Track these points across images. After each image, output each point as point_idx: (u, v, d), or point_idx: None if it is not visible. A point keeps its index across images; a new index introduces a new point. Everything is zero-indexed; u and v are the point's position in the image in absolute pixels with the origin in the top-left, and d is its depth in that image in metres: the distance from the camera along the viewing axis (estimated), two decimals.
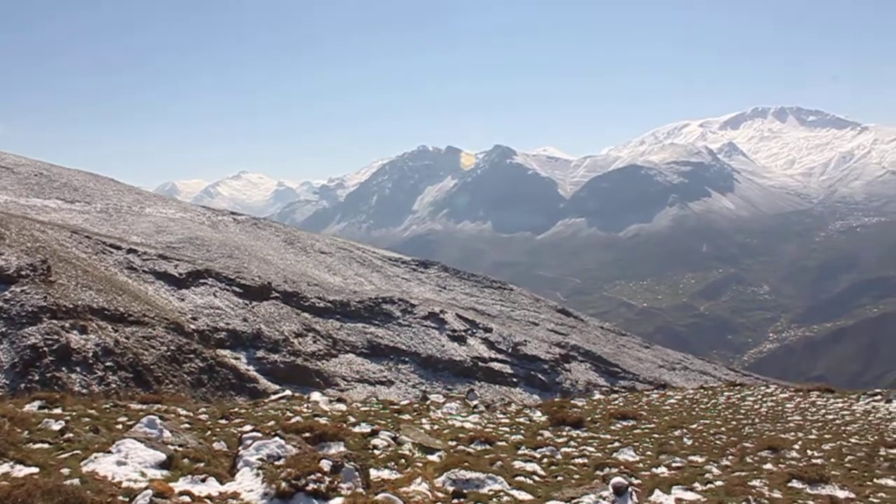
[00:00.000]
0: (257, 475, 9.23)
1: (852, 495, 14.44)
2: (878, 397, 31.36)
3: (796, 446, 19.93)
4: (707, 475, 15.32)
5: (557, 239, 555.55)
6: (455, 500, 10.88)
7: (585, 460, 16.02)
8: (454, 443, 16.07)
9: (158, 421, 12.06)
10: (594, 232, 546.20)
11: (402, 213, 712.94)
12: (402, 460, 13.12)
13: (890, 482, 15.83)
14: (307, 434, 12.87)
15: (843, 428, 24.22)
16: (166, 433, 11.78)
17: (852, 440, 21.46)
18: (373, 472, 11.64)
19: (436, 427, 18.34)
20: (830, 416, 26.92)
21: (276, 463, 9.82)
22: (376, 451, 13.78)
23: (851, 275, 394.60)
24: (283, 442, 10.50)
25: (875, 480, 16.03)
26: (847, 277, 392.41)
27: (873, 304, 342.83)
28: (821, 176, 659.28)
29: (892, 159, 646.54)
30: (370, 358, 55.75)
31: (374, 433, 15.10)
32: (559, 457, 16.25)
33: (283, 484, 8.58)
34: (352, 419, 17.25)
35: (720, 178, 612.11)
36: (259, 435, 10.72)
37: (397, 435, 15.10)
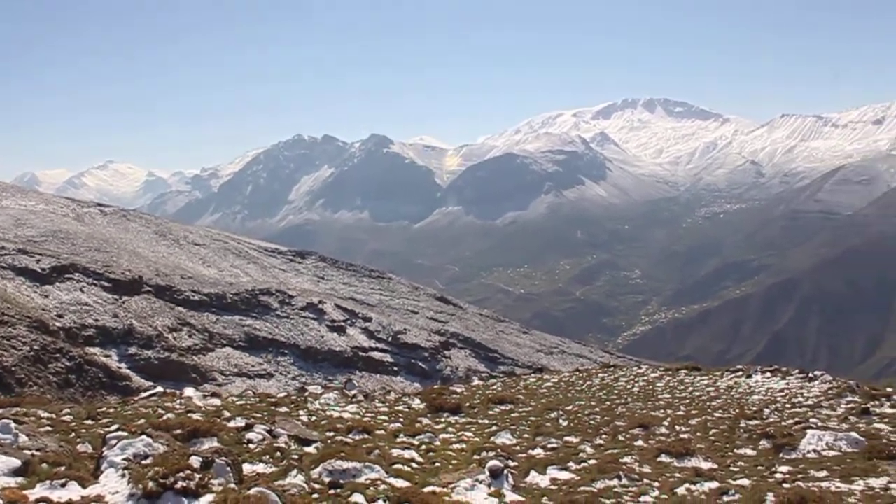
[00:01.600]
0: (123, 476, 8.80)
1: (715, 466, 15.27)
2: (740, 373, 33.01)
3: (665, 423, 20.70)
4: (581, 454, 15.74)
5: (435, 227, 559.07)
6: (332, 491, 10.74)
7: (463, 445, 16.15)
8: (332, 433, 15.88)
9: (13, 425, 11.39)
10: (471, 220, 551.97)
11: (279, 203, 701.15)
12: (278, 453, 12.86)
13: (748, 451, 16.76)
14: (178, 431, 12.47)
15: (708, 403, 25.32)
16: (22, 437, 11.16)
17: (716, 414, 22.46)
18: (247, 467, 11.37)
19: (313, 419, 18.10)
20: (697, 393, 28.09)
21: (144, 462, 9.41)
22: (251, 446, 13.46)
23: (715, 259, 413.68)
24: (150, 440, 10.09)
25: (735, 451, 16.94)
26: (712, 261, 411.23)
27: (735, 286, 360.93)
28: (687, 165, 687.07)
29: (751, 149, 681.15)
30: (248, 351, 54.59)
31: (249, 427, 14.75)
32: (437, 443, 16.32)
33: (151, 483, 8.22)
34: (226, 414, 16.81)
35: (593, 166, 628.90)
36: (125, 434, 10.27)
37: (273, 428, 14.81)
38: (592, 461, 15.01)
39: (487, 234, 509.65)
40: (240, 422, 15.45)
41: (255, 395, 23.35)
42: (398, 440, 16.17)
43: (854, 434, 16.33)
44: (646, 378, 33.58)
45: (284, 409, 19.56)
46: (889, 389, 25.73)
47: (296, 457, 12.70)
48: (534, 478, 13.39)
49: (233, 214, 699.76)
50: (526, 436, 18.05)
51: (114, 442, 9.93)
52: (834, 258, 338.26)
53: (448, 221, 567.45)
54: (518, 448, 16.33)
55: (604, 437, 18.78)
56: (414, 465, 13.62)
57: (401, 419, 19.86)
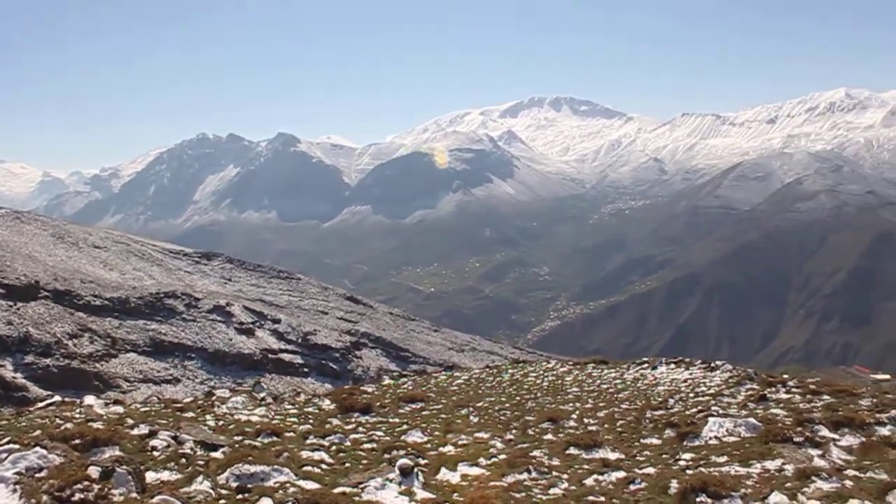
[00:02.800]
0: (14, 491, 8.36)
1: (622, 456, 15.67)
2: (646, 365, 33.85)
3: (574, 416, 21.03)
4: (491, 450, 15.85)
5: (344, 227, 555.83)
6: (239, 496, 10.52)
7: (374, 445, 16.04)
8: (240, 437, 15.56)
9: None
10: (380, 219, 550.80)
11: (183, 203, 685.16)
12: (183, 460, 12.51)
13: (654, 441, 17.24)
14: (77, 441, 11.97)
15: (615, 396, 25.85)
16: None
17: (623, 406, 22.95)
18: (150, 475, 11.02)
19: (221, 423, 17.69)
20: (605, 386, 28.64)
21: (38, 476, 8.96)
22: (155, 453, 13.05)
23: (621, 254, 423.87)
24: (45, 452, 9.64)
25: (641, 441, 17.37)
26: (618, 257, 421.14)
27: (641, 280, 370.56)
28: (593, 162, 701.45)
29: (654, 147, 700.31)
30: (154, 356, 53.05)
31: (153, 434, 14.31)
32: (348, 443, 16.17)
33: (45, 498, 7.86)
34: (130, 421, 16.27)
35: (501, 164, 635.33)
36: (16, 447, 9.78)
37: (178, 434, 14.40)
38: (503, 456, 15.13)
39: (396, 232, 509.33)
40: (143, 429, 14.96)
41: (160, 401, 22.69)
42: (308, 442, 15.96)
43: (752, 420, 16.93)
44: (555, 373, 34.07)
45: (191, 414, 19.06)
46: (785, 376, 26.86)
47: (202, 462, 12.39)
48: (444, 475, 13.41)
49: (135, 216, 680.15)
50: (437, 433, 18.06)
51: (4, 455, 9.44)
52: (733, 252, 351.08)
53: (357, 220, 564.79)
54: (429, 446, 16.32)
55: (514, 431, 18.96)
56: (324, 466, 13.45)
57: (311, 420, 19.61)
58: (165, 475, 11.50)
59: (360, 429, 18.38)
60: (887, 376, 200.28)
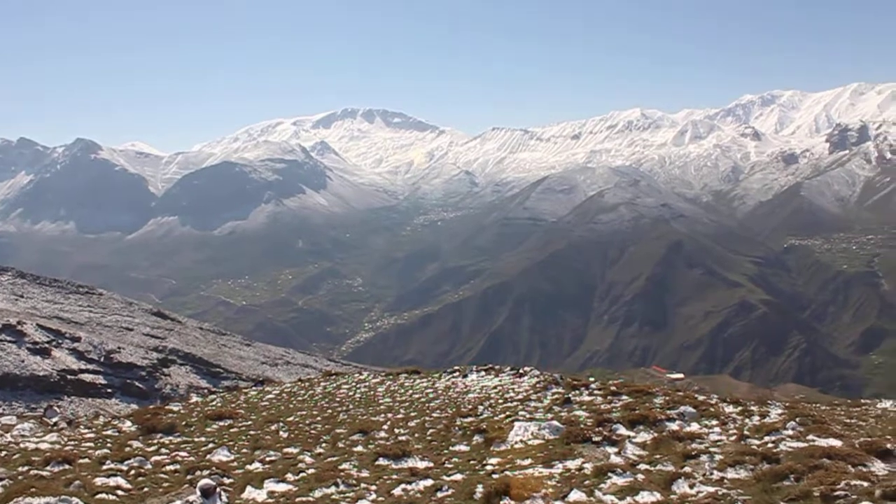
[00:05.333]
0: None
1: (431, 464, 15.85)
2: (457, 374, 34.42)
3: (385, 427, 21.07)
4: (300, 465, 15.59)
5: (149, 239, 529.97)
6: None
7: (177, 466, 15.36)
8: (26, 468, 14.42)
9: None
10: (188, 230, 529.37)
11: None
12: None
13: (463, 447, 17.53)
14: None
15: (427, 405, 26.09)
16: None
17: (434, 415, 23.20)
18: None
19: (4, 453, 16.35)
20: (416, 396, 28.86)
21: None
22: None
23: (434, 265, 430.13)
24: None
25: (451, 448, 17.63)
26: (431, 267, 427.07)
27: (454, 290, 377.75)
28: (406, 174, 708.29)
29: (465, 160, 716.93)
30: None
31: None
32: (149, 466, 15.40)
33: None
34: None
35: (314, 175, 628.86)
36: None
37: None
38: (311, 470, 14.92)
39: (206, 244, 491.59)
40: None
41: None
42: (104, 467, 15.04)
43: (555, 422, 17.61)
44: (367, 384, 33.99)
45: None
46: (591, 379, 28.15)
47: None
48: (250, 493, 13.03)
49: None
50: (244, 451, 17.55)
51: None
52: (541, 261, 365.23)
53: (163, 232, 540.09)
54: (235, 464, 15.83)
55: (324, 445, 18.75)
56: (120, 492, 12.71)
57: (109, 444, 18.51)
58: None
59: (163, 450, 17.57)
60: (681, 375, 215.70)
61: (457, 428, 19.71)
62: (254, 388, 40.95)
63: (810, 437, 15.24)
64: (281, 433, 20.98)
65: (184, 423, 22.08)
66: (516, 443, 16.77)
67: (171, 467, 15.32)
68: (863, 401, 45.02)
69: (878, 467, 12.63)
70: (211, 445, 17.99)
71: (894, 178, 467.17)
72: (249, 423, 23.02)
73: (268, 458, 16.29)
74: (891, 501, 10.33)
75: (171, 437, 19.53)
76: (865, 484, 11.08)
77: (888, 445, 13.85)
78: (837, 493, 10.82)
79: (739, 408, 20.03)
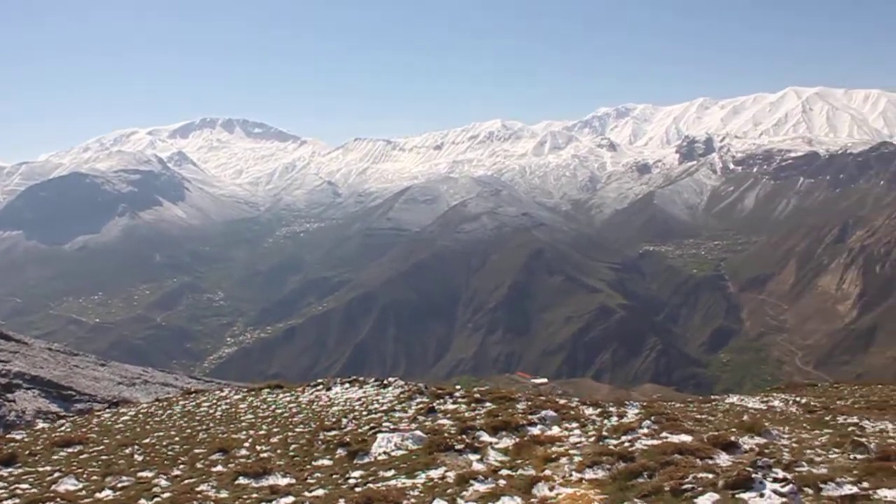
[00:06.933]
0: None
1: (293, 480, 15.53)
2: (321, 387, 33.86)
3: (246, 444, 20.49)
4: (155, 489, 14.95)
5: None
6: None
7: (17, 500, 14.40)
8: None
9: None
10: (34, 245, 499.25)
11: None
12: None
13: (325, 462, 17.28)
14: None
15: (290, 420, 25.57)
16: None
17: (297, 430, 22.75)
18: None
19: None
20: (279, 411, 28.24)
21: None
22: None
23: (298, 276, 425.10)
24: None
25: (314, 463, 17.35)
26: (294, 279, 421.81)
27: (318, 302, 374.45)
28: (267, 185, 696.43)
29: (328, 170, 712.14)
30: None
31: None
32: None
33: None
34: None
35: (171, 186, 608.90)
36: None
37: None
38: (167, 494, 14.32)
39: (54, 260, 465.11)
40: None
41: None
42: None
43: (419, 432, 17.60)
44: (229, 401, 33.06)
45: None
46: (458, 387, 28.32)
47: None
48: None
49: None
50: (94, 478, 16.65)
51: None
52: (405, 271, 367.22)
53: (6, 247, 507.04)
54: (83, 492, 14.99)
55: (182, 466, 18.05)
56: None
57: None
58: None
59: (2, 483, 16.43)
60: (545, 380, 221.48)
61: (320, 442, 19.39)
62: (108, 410, 39.14)
63: (664, 434, 15.86)
64: (135, 456, 20.06)
65: (27, 451, 20.80)
66: (380, 454, 16.67)
67: (10, 502, 14.35)
68: (713, 397, 47.61)
69: (723, 459, 13.43)
70: (57, 475, 16.97)
71: (738, 188, 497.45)
72: (101, 447, 21.91)
73: (119, 485, 15.52)
74: (732, 490, 11.17)
75: (10, 469, 18.30)
76: (711, 476, 11.89)
77: (732, 438, 14.81)
78: (685, 486, 11.54)
79: (599, 409, 20.59)
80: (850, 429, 25.45)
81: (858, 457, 15.47)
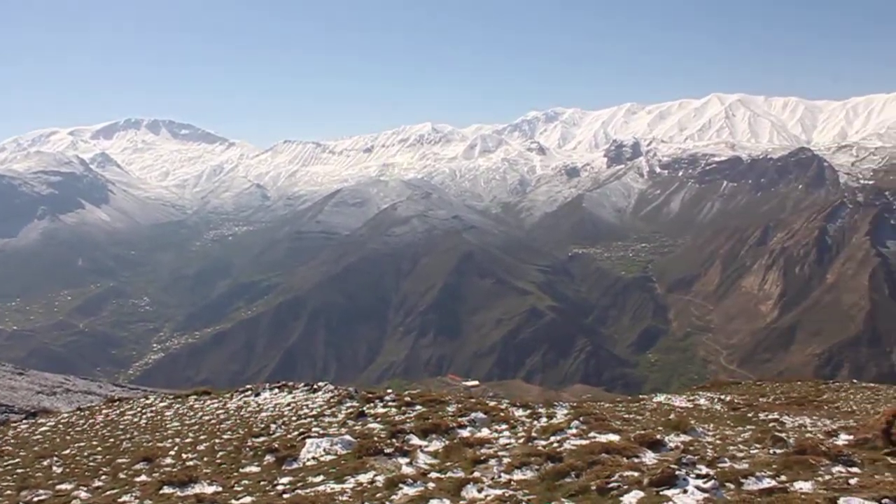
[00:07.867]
0: None
1: (220, 488, 15.25)
2: (249, 393, 33.36)
3: (172, 452, 20.06)
4: (74, 502, 14.51)
5: None
6: None
7: None
8: None
9: None
10: None
11: None
12: None
13: (253, 468, 17.04)
14: None
15: (217, 427, 25.12)
16: None
17: (225, 436, 22.36)
18: None
19: None
20: (207, 418, 27.73)
21: None
22: None
23: (226, 280, 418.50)
24: None
25: (241, 470, 17.08)
26: (223, 283, 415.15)
27: (247, 306, 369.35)
28: (194, 188, 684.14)
29: (256, 173, 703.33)
30: None
31: None
32: None
33: None
34: None
35: (94, 189, 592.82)
36: None
37: None
38: None
39: None
40: None
41: None
42: None
43: (348, 436, 17.47)
44: (154, 408, 32.35)
45: None
46: (389, 391, 28.18)
47: None
48: None
49: None
50: (9, 492, 16.09)
51: None
52: (335, 274, 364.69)
53: None
54: None
55: (104, 477, 17.57)
56: None
57: None
58: None
59: None
60: (476, 382, 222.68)
61: (248, 448, 19.10)
62: (25, 421, 37.89)
63: (592, 434, 16.04)
64: (54, 468, 19.46)
65: None
66: (308, 460, 16.50)
67: None
68: (641, 396, 48.44)
69: (649, 457, 13.67)
70: None
71: (664, 191, 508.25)
72: (17, 460, 21.21)
73: (36, 499, 15.00)
74: (656, 487, 11.42)
75: None
76: (636, 474, 12.14)
77: (658, 436, 15.07)
78: (611, 485, 11.75)
79: (529, 411, 20.73)
80: (770, 424, 26.15)
81: (778, 451, 15.85)
